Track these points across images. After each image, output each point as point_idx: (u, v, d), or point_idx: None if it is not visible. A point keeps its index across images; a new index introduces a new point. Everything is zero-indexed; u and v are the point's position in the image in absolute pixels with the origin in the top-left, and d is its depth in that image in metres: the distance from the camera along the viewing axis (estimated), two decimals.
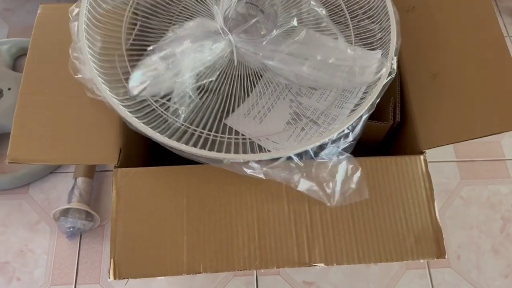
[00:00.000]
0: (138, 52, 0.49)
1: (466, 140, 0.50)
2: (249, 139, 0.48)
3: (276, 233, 0.47)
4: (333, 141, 0.46)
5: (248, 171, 0.44)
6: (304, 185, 0.46)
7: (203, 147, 0.43)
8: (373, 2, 0.54)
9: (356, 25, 0.55)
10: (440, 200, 1.00)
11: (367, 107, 0.47)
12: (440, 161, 1.05)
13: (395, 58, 0.50)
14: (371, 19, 0.54)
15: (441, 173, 1.04)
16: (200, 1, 0.53)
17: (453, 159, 1.06)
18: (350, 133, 0.47)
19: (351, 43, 0.53)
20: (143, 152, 0.65)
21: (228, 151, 0.44)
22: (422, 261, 0.84)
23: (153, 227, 0.47)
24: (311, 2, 0.52)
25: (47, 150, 0.49)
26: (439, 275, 0.93)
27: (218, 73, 0.48)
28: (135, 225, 0.47)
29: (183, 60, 0.44)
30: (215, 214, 0.48)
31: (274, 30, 0.48)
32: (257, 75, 0.52)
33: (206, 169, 0.49)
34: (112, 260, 0.46)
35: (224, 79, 0.49)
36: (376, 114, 0.66)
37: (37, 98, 0.51)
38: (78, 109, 0.51)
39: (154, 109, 0.47)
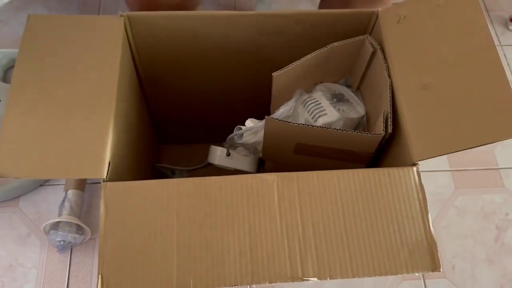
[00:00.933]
0: None
1: (459, 151, 0.50)
2: None
3: (268, 247, 0.47)
4: None
5: None
6: None
7: None
8: None
9: None
10: (435, 210, 1.00)
11: None
12: (434, 171, 1.05)
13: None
14: None
15: (435, 183, 1.04)
16: None
17: (447, 168, 1.06)
18: None
19: None
20: (133, 165, 0.64)
21: None
22: None
23: (143, 242, 0.46)
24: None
25: (35, 164, 0.48)
26: (434, 286, 0.92)
27: None
28: (124, 240, 0.46)
29: None
30: (206, 229, 0.47)
31: None
32: None
33: (197, 183, 0.49)
34: (100, 276, 0.45)
35: None
36: (369, 128, 0.66)
37: (24, 110, 0.51)
38: (67, 122, 0.50)
39: None
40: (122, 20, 0.58)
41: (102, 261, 0.45)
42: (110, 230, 0.46)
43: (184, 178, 0.49)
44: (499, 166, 1.06)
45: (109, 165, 0.49)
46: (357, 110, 0.67)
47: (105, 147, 0.49)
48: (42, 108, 0.51)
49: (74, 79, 0.53)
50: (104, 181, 0.48)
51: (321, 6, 0.95)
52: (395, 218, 0.49)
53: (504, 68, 0.50)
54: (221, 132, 0.82)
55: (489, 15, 1.31)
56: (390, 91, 0.57)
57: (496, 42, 1.26)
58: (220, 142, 0.78)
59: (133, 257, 0.46)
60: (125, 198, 0.48)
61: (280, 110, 0.65)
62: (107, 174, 0.48)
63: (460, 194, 1.03)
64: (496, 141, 0.48)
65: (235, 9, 1.27)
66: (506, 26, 1.28)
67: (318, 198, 0.49)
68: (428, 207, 0.50)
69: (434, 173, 1.05)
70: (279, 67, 0.63)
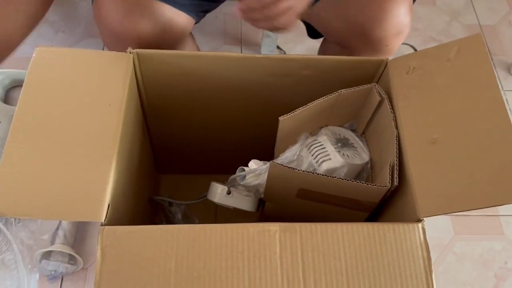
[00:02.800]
0: None
1: (466, 211, 0.49)
2: None
3: None
4: None
5: None
6: None
7: None
8: None
9: None
10: (433, 255, 0.98)
11: None
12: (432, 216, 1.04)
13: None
14: None
15: (435, 227, 1.02)
16: None
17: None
18: None
19: None
20: (131, 200, 0.63)
21: None
22: None
23: None
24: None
25: (32, 203, 0.47)
26: None
27: None
28: None
29: None
30: (204, 280, 0.45)
31: None
32: None
33: (197, 231, 0.48)
34: None
35: None
36: (373, 176, 0.65)
37: (26, 146, 0.50)
38: (68, 160, 0.49)
39: None
40: (130, 56, 0.58)
41: None
42: (105, 277, 0.45)
43: (184, 225, 0.48)
44: (500, 213, 1.05)
45: (108, 208, 0.47)
46: (362, 156, 0.66)
47: (105, 189, 0.48)
48: (43, 144, 0.50)
49: (79, 115, 0.52)
50: (102, 225, 0.47)
51: (322, 47, 0.95)
52: (399, 277, 0.48)
53: (509, 114, 0.50)
54: (222, 165, 0.82)
55: (492, 59, 1.32)
56: (397, 143, 0.57)
57: (499, 87, 1.27)
58: (220, 174, 0.77)
59: None
60: (123, 244, 0.46)
61: (285, 154, 0.64)
62: (106, 217, 0.47)
63: (459, 239, 1.02)
64: (503, 205, 0.47)
65: (241, 41, 1.28)
66: (509, 71, 1.29)
67: (321, 252, 0.48)
68: (432, 266, 0.49)
69: (433, 217, 1.03)
70: (285, 108, 0.62)
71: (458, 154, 0.51)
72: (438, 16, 1.39)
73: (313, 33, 0.88)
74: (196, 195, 0.80)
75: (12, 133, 0.50)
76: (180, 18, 0.72)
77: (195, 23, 0.78)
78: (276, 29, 0.57)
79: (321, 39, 0.93)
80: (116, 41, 0.68)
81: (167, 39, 0.72)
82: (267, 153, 0.70)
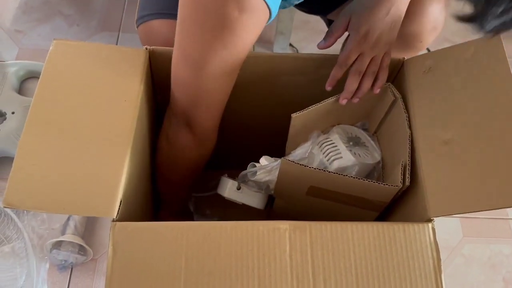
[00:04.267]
0: None
1: (477, 211, 0.49)
2: None
3: None
4: None
5: None
6: None
7: None
8: None
9: None
10: (441, 256, 0.98)
11: None
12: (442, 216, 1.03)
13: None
14: None
15: (443, 229, 1.02)
16: None
17: (456, 215, 1.04)
18: None
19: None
20: (142, 195, 0.64)
21: None
22: None
23: (149, 286, 0.45)
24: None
25: (45, 197, 0.47)
26: None
27: None
28: (131, 284, 0.45)
29: None
30: (214, 278, 0.46)
31: None
32: None
33: (207, 228, 0.48)
34: None
35: None
36: (384, 176, 0.65)
37: (40, 140, 0.50)
38: (82, 155, 0.49)
39: None
40: (147, 53, 0.58)
41: None
42: (117, 272, 0.45)
43: (195, 222, 0.48)
44: (509, 217, 1.04)
45: (120, 204, 0.48)
46: (373, 155, 0.66)
47: (118, 185, 0.48)
48: (58, 138, 0.50)
49: (94, 110, 0.53)
50: (113, 220, 0.47)
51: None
52: (408, 277, 0.48)
53: None
54: (232, 161, 0.82)
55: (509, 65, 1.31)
56: (409, 143, 0.56)
57: None
58: (230, 170, 0.77)
59: None
60: (134, 240, 0.47)
61: (297, 151, 0.64)
62: (118, 213, 0.47)
63: (467, 242, 1.01)
64: None
65: None
66: None
67: (330, 251, 0.48)
68: (442, 267, 0.49)
69: (442, 218, 1.03)
70: (298, 106, 0.62)
71: (471, 155, 0.51)
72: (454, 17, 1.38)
73: None
74: (205, 190, 0.80)
75: (28, 126, 0.50)
76: None
77: None
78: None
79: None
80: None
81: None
82: (277, 151, 0.70)
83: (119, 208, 0.47)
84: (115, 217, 0.47)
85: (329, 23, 0.89)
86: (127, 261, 0.45)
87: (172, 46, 0.55)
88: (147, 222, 0.48)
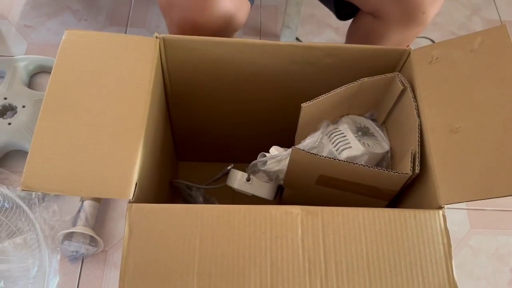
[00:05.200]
0: None
1: (487, 199, 0.49)
2: None
3: (289, 283, 0.46)
4: None
5: None
6: None
7: None
8: None
9: None
10: None
11: None
12: (450, 208, 1.04)
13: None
14: None
15: (451, 220, 1.01)
16: None
17: (463, 206, 1.04)
18: None
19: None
20: (154, 182, 0.65)
21: None
22: None
23: (164, 267, 0.46)
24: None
25: (62, 179, 0.48)
26: None
27: None
28: (146, 263, 0.46)
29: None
30: (228, 258, 0.47)
31: None
32: None
33: (221, 210, 0.49)
34: None
35: None
36: (393, 165, 0.65)
37: (56, 125, 0.51)
38: (97, 140, 0.51)
39: None
40: (157, 41, 0.59)
41: (123, 284, 0.45)
42: (132, 251, 0.46)
43: (209, 205, 0.49)
44: None
45: (135, 186, 0.49)
46: (382, 145, 0.66)
47: (133, 168, 0.49)
48: (73, 124, 0.51)
49: (107, 97, 0.54)
50: (130, 202, 0.48)
51: (354, 24, 0.94)
52: (419, 262, 0.49)
53: None
54: (240, 153, 0.83)
55: None
56: (419, 132, 0.57)
57: None
58: (238, 162, 0.78)
59: (154, 281, 0.46)
60: (149, 221, 0.48)
61: (306, 141, 0.64)
62: (134, 195, 0.48)
63: (475, 233, 1.01)
64: None
65: (260, 33, 1.29)
66: None
67: (342, 235, 0.49)
68: (453, 253, 0.50)
69: (450, 210, 1.03)
70: (307, 96, 0.63)
71: (480, 143, 0.52)
72: (458, 10, 1.38)
73: (341, 13, 0.89)
74: (213, 182, 0.81)
75: (43, 112, 0.51)
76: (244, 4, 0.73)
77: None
78: None
79: (348, 22, 0.93)
80: (180, 33, 0.69)
81: (230, 31, 0.73)
82: (286, 141, 0.71)
83: (134, 190, 0.48)
84: (131, 199, 0.48)
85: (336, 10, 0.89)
86: (143, 241, 0.46)
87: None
88: (163, 204, 0.48)
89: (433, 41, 1.29)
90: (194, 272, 0.46)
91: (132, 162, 0.49)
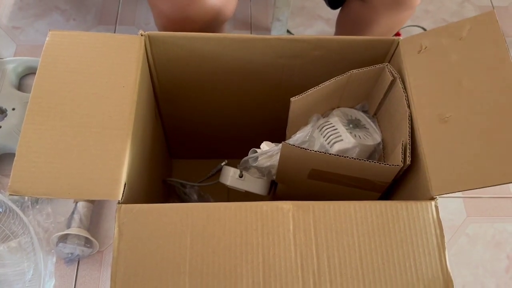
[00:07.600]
0: None
1: (479, 188, 0.49)
2: None
3: (282, 278, 0.46)
4: None
5: None
6: None
7: None
8: None
9: None
10: (446, 237, 0.98)
11: None
12: (446, 197, 1.04)
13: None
14: None
15: (447, 209, 1.02)
16: None
17: (459, 195, 1.04)
18: None
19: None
20: (146, 181, 0.64)
21: None
22: None
23: (155, 267, 0.45)
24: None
25: (49, 182, 0.48)
26: None
27: None
28: (137, 264, 0.45)
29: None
30: (219, 256, 0.46)
31: None
32: None
33: (211, 208, 0.48)
34: None
35: None
36: (385, 156, 0.65)
37: (42, 128, 0.50)
38: (84, 141, 0.50)
39: None
40: (142, 39, 0.58)
41: (114, 285, 0.45)
42: (123, 253, 0.46)
43: (198, 203, 0.49)
44: None
45: (124, 187, 0.48)
46: (374, 137, 0.66)
47: (121, 168, 0.49)
48: (59, 125, 0.51)
49: (93, 98, 0.53)
50: (119, 203, 0.47)
51: (343, 12, 0.94)
52: (412, 254, 0.48)
53: None
54: (234, 149, 0.82)
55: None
56: (409, 122, 0.57)
57: None
58: (231, 158, 0.77)
59: (145, 281, 0.45)
60: (139, 221, 0.47)
61: (297, 135, 0.64)
62: (123, 196, 0.48)
63: (471, 221, 1.01)
64: None
65: (251, 26, 1.28)
66: None
67: (334, 229, 0.48)
68: (446, 244, 0.49)
69: (446, 199, 1.04)
70: (296, 89, 0.62)
71: (470, 132, 0.51)
72: None
73: (332, 2, 0.88)
74: (207, 179, 0.80)
75: (28, 115, 0.51)
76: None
77: None
78: None
79: (338, 10, 0.92)
80: (169, 24, 0.68)
81: (219, 21, 0.72)
82: (278, 136, 0.70)
83: (123, 191, 0.48)
84: (120, 199, 0.47)
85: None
86: (133, 242, 0.46)
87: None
88: (152, 204, 0.48)
89: (424, 29, 1.29)
90: (186, 272, 0.46)
91: (120, 162, 0.49)
